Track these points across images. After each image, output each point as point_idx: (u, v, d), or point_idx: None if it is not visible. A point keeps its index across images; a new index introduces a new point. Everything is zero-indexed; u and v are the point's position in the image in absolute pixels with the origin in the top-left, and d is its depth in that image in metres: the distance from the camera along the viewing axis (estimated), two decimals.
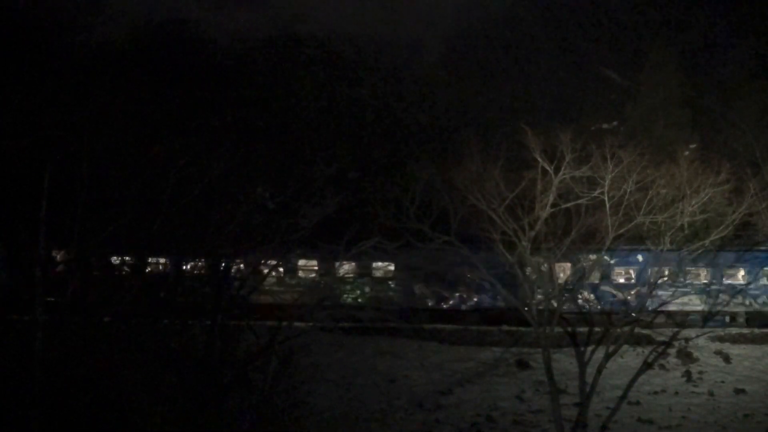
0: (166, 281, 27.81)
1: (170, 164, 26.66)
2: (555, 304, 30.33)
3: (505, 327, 37.96)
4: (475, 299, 37.76)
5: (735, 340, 38.13)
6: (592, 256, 31.85)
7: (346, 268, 30.72)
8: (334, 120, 54.57)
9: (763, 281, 37.10)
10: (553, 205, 30.44)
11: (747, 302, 35.49)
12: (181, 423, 24.76)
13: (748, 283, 36.14)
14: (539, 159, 30.55)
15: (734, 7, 57.73)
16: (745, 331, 38.95)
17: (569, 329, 31.10)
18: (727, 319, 38.49)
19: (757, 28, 56.40)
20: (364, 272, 31.21)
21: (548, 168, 30.46)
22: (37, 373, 24.29)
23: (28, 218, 24.80)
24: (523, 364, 34.94)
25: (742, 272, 36.05)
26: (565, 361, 32.69)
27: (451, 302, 38.35)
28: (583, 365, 30.03)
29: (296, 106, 54.59)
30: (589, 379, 29.97)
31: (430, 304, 31.51)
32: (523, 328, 34.92)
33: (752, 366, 36.27)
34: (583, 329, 31.59)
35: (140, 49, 52.69)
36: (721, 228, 32.94)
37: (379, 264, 33.16)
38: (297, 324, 28.78)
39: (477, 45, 60.88)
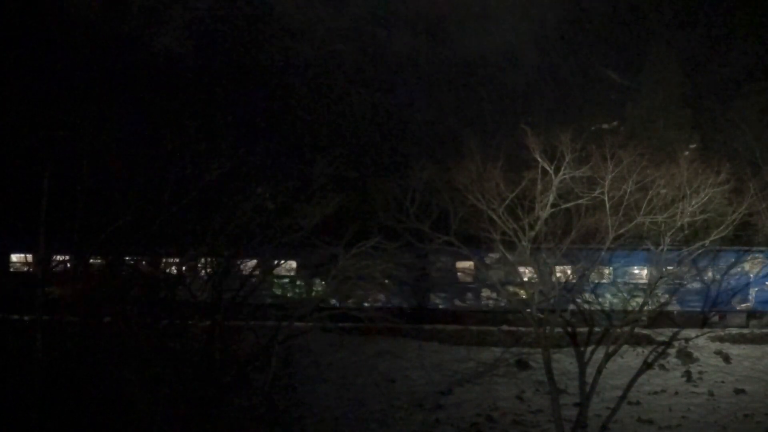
0: (167, 281, 27.81)
1: (170, 164, 26.71)
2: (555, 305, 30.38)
3: (505, 327, 37.98)
4: (382, 297, 37.29)
5: (735, 340, 38.10)
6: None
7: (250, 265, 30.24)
8: (334, 120, 54.55)
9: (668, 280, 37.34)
10: (553, 205, 30.44)
11: (649, 302, 35.20)
12: (181, 423, 24.78)
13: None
14: (539, 159, 30.55)
15: (734, 7, 57.66)
16: (745, 331, 38.97)
17: (569, 329, 31.14)
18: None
19: (757, 28, 56.33)
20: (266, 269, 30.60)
21: (548, 168, 30.46)
22: (37, 373, 24.32)
23: (27, 218, 24.86)
24: (523, 364, 34.92)
25: (645, 271, 36.00)
26: (565, 361, 32.68)
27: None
28: (583, 365, 30.06)
29: (296, 106, 54.57)
30: (589, 379, 30.00)
31: (333, 302, 31.28)
32: (523, 328, 34.93)
33: (752, 366, 36.24)
34: (583, 329, 31.66)
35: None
36: (721, 228, 32.95)
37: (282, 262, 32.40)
38: (297, 324, 28.81)
39: (476, 44, 60.86)
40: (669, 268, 32.78)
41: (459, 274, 38.20)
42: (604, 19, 59.71)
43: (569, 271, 31.95)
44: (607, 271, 32.79)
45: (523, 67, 58.80)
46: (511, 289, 30.70)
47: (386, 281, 29.02)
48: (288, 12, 57.71)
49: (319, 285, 31.08)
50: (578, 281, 31.73)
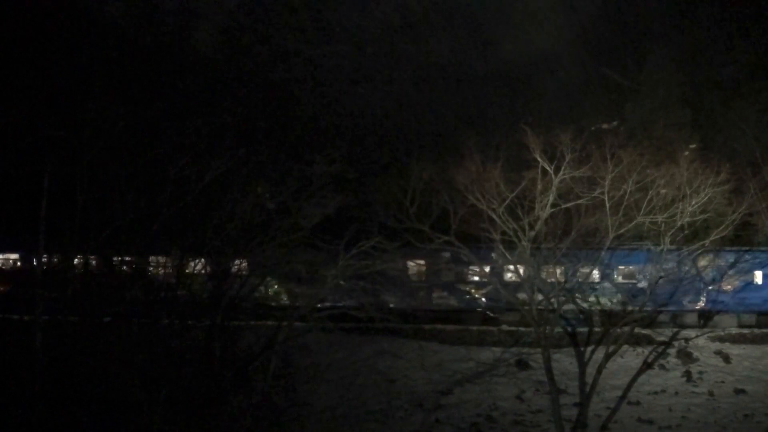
0: (166, 281, 27.79)
1: (170, 164, 26.69)
2: (555, 304, 30.37)
3: (505, 327, 37.99)
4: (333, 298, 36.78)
5: (735, 340, 38.15)
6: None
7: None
8: (334, 120, 54.55)
9: (619, 279, 37.11)
10: (553, 205, 30.45)
11: (599, 300, 35.05)
12: (181, 423, 24.77)
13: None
14: (539, 159, 30.56)
15: (734, 8, 57.63)
16: (745, 331, 38.99)
17: (569, 329, 31.16)
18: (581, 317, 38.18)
19: (757, 28, 56.31)
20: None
21: (548, 168, 30.46)
22: (37, 372, 24.32)
23: (28, 218, 24.87)
24: (523, 364, 34.95)
25: (596, 271, 35.85)
26: (565, 361, 32.70)
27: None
28: (583, 365, 30.08)
29: (296, 105, 54.57)
30: (589, 379, 30.02)
31: (284, 301, 31.18)
32: (523, 328, 34.94)
33: (752, 366, 36.28)
34: (583, 329, 31.67)
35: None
36: (721, 228, 32.96)
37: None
38: (297, 324, 28.77)
39: (477, 45, 60.87)
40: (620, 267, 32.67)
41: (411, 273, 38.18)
42: (604, 19, 59.72)
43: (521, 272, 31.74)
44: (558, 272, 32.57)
45: (525, 68, 58.78)
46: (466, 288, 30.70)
47: (341, 282, 28.87)
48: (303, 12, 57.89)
49: (273, 284, 31.02)
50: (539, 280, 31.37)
